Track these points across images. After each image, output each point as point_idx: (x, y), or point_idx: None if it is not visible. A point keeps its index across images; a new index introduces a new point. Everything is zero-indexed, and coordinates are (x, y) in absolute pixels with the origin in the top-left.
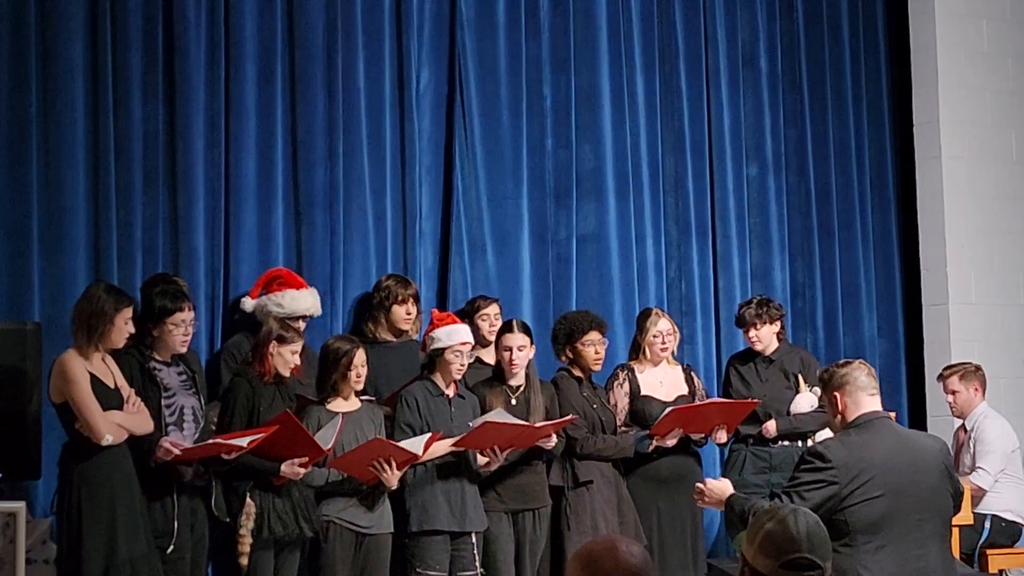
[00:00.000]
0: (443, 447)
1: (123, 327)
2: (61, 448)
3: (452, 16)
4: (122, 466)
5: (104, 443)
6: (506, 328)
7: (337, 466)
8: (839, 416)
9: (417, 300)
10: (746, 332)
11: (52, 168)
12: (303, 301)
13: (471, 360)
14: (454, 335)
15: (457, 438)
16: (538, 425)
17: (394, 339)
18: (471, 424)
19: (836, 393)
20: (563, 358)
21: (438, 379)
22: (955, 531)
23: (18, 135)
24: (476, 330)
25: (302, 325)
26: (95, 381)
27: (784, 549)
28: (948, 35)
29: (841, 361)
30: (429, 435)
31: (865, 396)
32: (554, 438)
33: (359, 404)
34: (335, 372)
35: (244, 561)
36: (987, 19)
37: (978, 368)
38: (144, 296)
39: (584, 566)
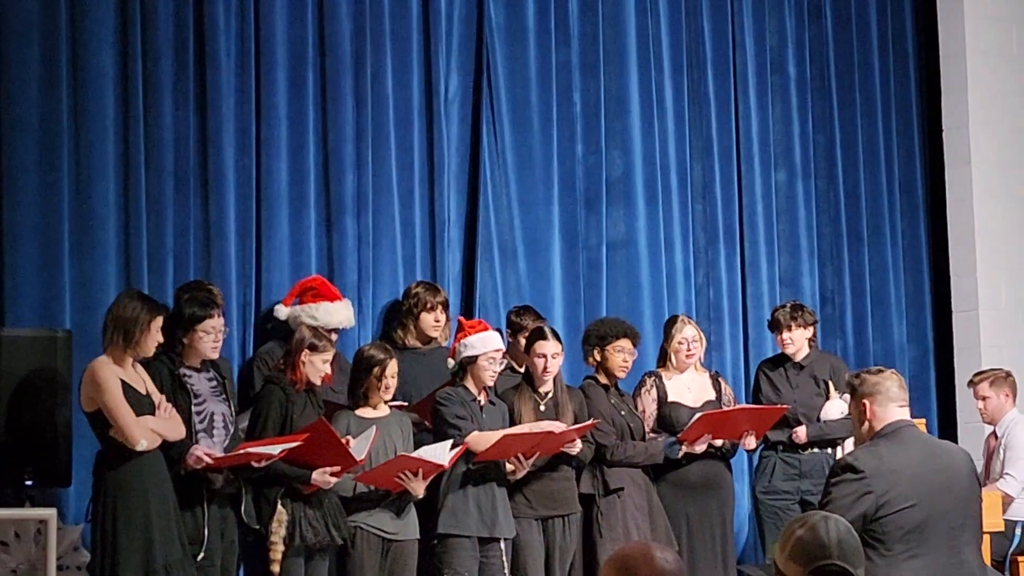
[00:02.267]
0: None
1: (155, 335)
2: (95, 456)
3: (480, 23)
4: (156, 472)
5: (139, 448)
6: (539, 335)
7: (363, 481)
8: (866, 424)
9: (446, 307)
10: (779, 334)
11: (83, 175)
12: (337, 314)
13: (503, 367)
14: (488, 342)
15: (483, 446)
16: (558, 431)
17: (422, 346)
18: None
19: (865, 401)
20: (591, 360)
21: (470, 385)
22: (985, 538)
23: (49, 142)
24: (516, 347)
25: (335, 337)
26: (127, 387)
27: (814, 556)
28: (978, 39)
29: (873, 368)
30: (451, 443)
31: (895, 407)
32: (579, 443)
33: (388, 412)
34: (367, 380)
35: (276, 568)
36: (1017, 23)
37: (1008, 374)
38: (175, 302)
39: (619, 571)
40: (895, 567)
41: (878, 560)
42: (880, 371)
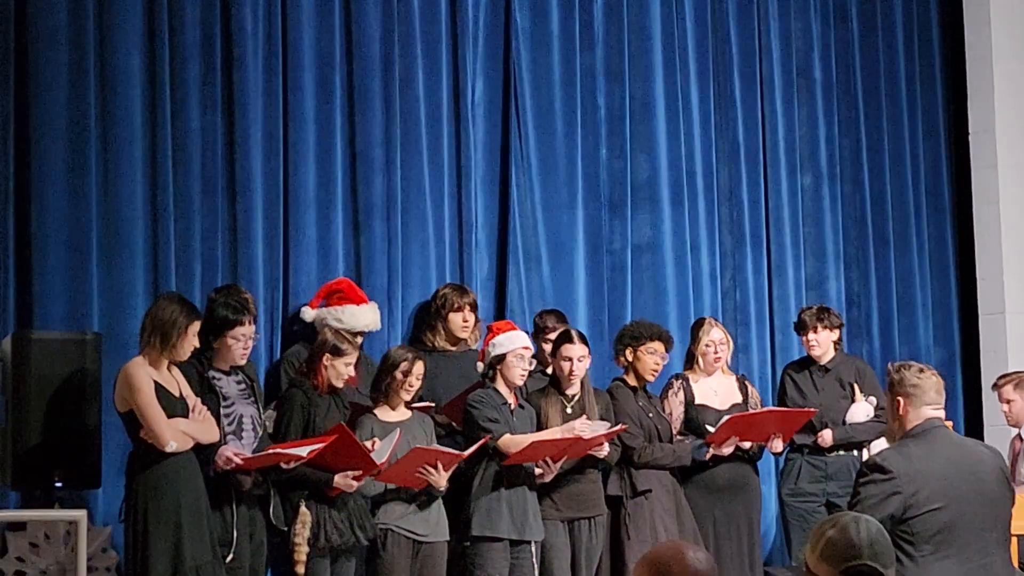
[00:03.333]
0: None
1: (192, 340)
2: (127, 457)
3: (507, 28)
4: (187, 474)
5: (168, 449)
6: (565, 338)
7: (385, 480)
8: (897, 421)
9: (474, 308)
10: (805, 336)
11: (111, 179)
12: (363, 317)
13: (532, 367)
14: (515, 340)
15: (513, 449)
16: (587, 438)
17: (452, 348)
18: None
19: (900, 398)
20: (621, 360)
21: (501, 387)
22: (1013, 540)
23: (77, 147)
24: (541, 350)
25: (360, 340)
26: (160, 389)
27: (845, 556)
28: (1004, 43)
29: (916, 366)
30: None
31: (929, 410)
32: (607, 447)
33: (409, 414)
34: (391, 378)
35: (301, 570)
36: None
37: None
38: (208, 305)
39: (652, 571)
40: (924, 568)
41: (907, 561)
42: (922, 371)
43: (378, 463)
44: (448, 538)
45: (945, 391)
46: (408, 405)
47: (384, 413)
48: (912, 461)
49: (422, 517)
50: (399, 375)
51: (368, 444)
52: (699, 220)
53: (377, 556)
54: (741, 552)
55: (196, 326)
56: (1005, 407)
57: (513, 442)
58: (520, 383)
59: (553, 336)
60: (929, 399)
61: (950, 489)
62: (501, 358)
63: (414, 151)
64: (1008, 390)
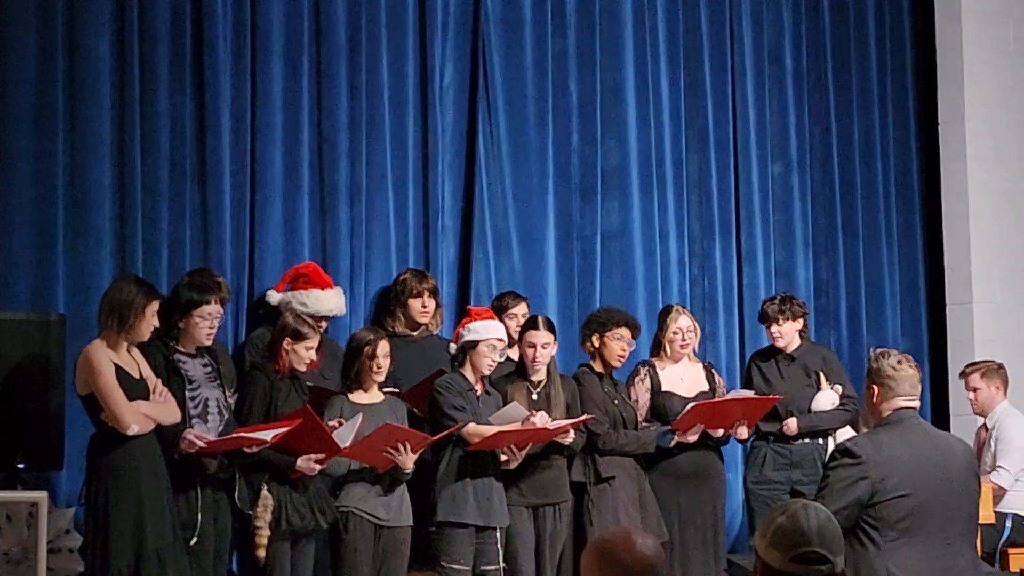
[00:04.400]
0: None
1: (151, 320)
2: (89, 439)
3: (476, 12)
4: (149, 456)
5: (130, 432)
6: (531, 324)
7: (351, 455)
8: (871, 408)
9: (435, 294)
10: (768, 328)
11: (78, 161)
12: (327, 302)
13: (502, 359)
14: (491, 329)
15: (477, 438)
16: (551, 427)
17: (412, 333)
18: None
19: (875, 387)
20: (588, 346)
21: (468, 373)
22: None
23: (45, 128)
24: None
25: (324, 324)
26: (120, 372)
27: (795, 543)
28: (974, 34)
29: (896, 356)
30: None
31: (902, 400)
32: (572, 433)
33: (382, 397)
34: (358, 362)
35: (261, 553)
36: (1014, 18)
37: (1000, 366)
38: (174, 287)
39: (600, 556)
40: (887, 553)
41: (871, 546)
42: (900, 361)
43: (341, 447)
44: (411, 523)
45: None
46: (381, 387)
47: (356, 396)
48: (882, 448)
49: (384, 501)
50: (365, 359)
51: (333, 424)
52: (668, 207)
53: (339, 539)
54: (705, 540)
55: (154, 306)
56: (971, 395)
57: (477, 431)
58: (487, 373)
59: (515, 311)
60: (903, 391)
61: (918, 477)
62: (473, 344)
63: (381, 136)
64: (975, 379)
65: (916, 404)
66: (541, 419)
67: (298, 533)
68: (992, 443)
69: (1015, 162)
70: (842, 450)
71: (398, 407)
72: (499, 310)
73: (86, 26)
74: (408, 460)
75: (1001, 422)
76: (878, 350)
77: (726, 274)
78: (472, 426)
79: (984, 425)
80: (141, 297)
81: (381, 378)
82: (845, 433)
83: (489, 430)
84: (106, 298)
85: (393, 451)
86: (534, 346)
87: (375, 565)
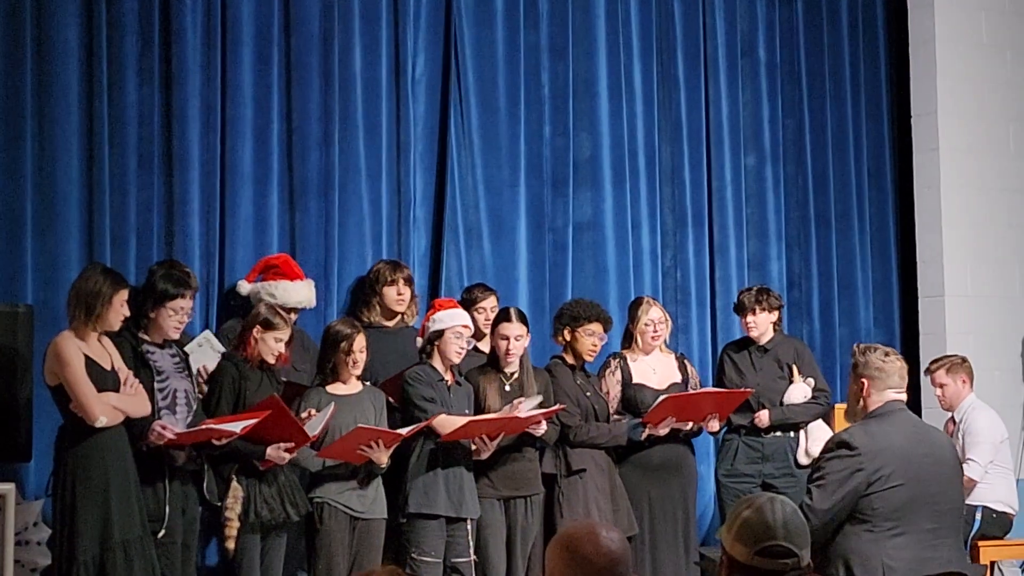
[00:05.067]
0: (453, 422)
1: (119, 309)
2: (57, 431)
3: (448, 4)
4: (117, 448)
5: (98, 424)
6: (503, 316)
7: (326, 455)
8: (861, 402)
9: (409, 283)
10: (743, 317)
11: (46, 151)
12: (296, 293)
13: (469, 347)
14: (455, 317)
15: (448, 429)
16: (523, 416)
17: (389, 324)
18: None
19: (864, 380)
20: (560, 339)
21: (437, 364)
22: None
23: (12, 118)
24: (473, 322)
25: (294, 317)
26: (90, 363)
27: (760, 537)
28: (947, 27)
29: (883, 349)
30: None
31: (892, 392)
32: (544, 424)
33: (360, 387)
34: (334, 355)
35: (231, 545)
36: (986, 11)
37: (964, 360)
38: (149, 277)
39: (564, 550)
40: (879, 543)
41: (864, 535)
42: (887, 354)
43: (311, 436)
44: (385, 515)
45: None
46: (360, 378)
47: (334, 387)
48: (876, 439)
49: (359, 493)
50: (341, 353)
51: (305, 415)
52: (641, 199)
53: (315, 530)
54: (676, 532)
55: (122, 295)
56: (938, 391)
57: (448, 422)
58: (456, 360)
59: (483, 305)
60: (893, 383)
61: (910, 468)
62: (439, 334)
63: (351, 127)
64: (940, 374)
65: (904, 396)
66: (526, 407)
67: (268, 526)
68: (960, 436)
69: (987, 155)
70: (838, 442)
71: (377, 397)
72: (468, 303)
73: (54, 16)
74: (383, 456)
75: (968, 415)
76: (862, 345)
77: (699, 266)
78: (442, 417)
79: (952, 419)
80: (108, 287)
81: (358, 371)
82: (817, 427)
83: (458, 421)
84: (74, 288)
85: (367, 448)
86: (507, 338)
87: (349, 557)
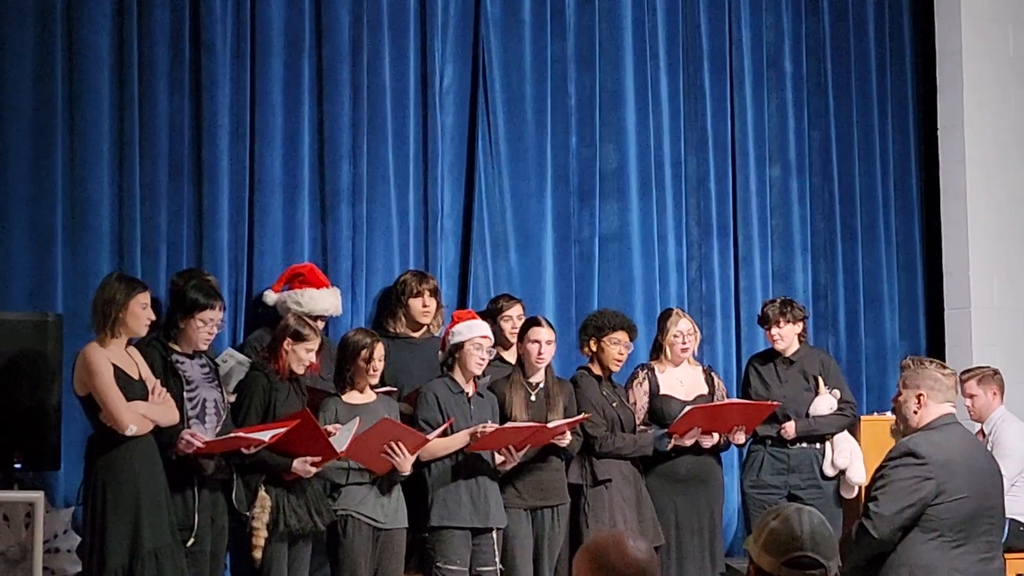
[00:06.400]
0: (459, 439)
1: (139, 312)
2: (87, 440)
3: (477, 15)
4: (147, 457)
5: (128, 433)
6: (533, 322)
7: (349, 454)
8: (916, 415)
9: (435, 294)
10: (768, 330)
11: (77, 161)
12: (322, 301)
13: (491, 356)
14: (474, 328)
15: (470, 435)
16: (550, 426)
17: (414, 334)
18: (485, 429)
19: (923, 392)
20: (586, 350)
21: (458, 376)
22: None
23: (43, 128)
24: (499, 331)
25: (321, 324)
26: (118, 372)
27: (787, 547)
28: (974, 39)
29: (936, 362)
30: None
31: (948, 406)
32: (569, 435)
33: (375, 396)
34: (352, 365)
35: (258, 555)
36: (1013, 24)
37: (996, 372)
38: (177, 287)
39: (591, 560)
40: (944, 554)
41: (930, 545)
42: (942, 367)
43: (338, 451)
44: (407, 525)
45: None
46: (374, 388)
47: (350, 396)
48: (940, 449)
49: (381, 504)
50: (361, 362)
51: (329, 428)
52: (667, 210)
53: (338, 542)
54: (702, 543)
55: (139, 299)
56: (968, 402)
57: (436, 446)
58: (477, 372)
59: (510, 313)
60: (949, 396)
61: (973, 481)
62: (459, 346)
63: (382, 137)
64: (971, 385)
65: (955, 410)
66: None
67: (295, 535)
68: (989, 448)
69: (1014, 167)
70: (904, 451)
71: (391, 407)
72: (494, 312)
73: (85, 25)
74: (406, 463)
75: (998, 427)
76: (914, 357)
77: (724, 277)
78: (433, 443)
79: (981, 430)
80: (123, 292)
81: (375, 381)
82: (843, 438)
83: (452, 443)
84: (94, 299)
85: (391, 453)
86: (538, 342)
87: (372, 567)
